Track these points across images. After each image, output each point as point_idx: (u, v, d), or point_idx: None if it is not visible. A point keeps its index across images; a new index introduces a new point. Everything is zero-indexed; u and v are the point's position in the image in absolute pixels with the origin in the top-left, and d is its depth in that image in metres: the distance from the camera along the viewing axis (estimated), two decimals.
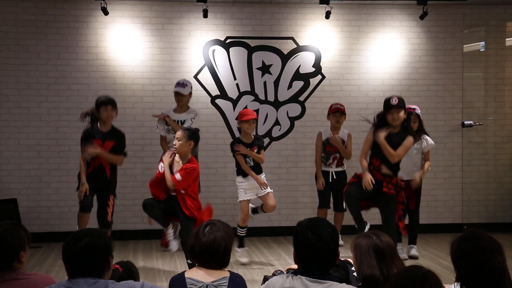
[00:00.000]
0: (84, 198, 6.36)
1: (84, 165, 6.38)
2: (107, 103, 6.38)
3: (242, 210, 6.90)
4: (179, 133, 6.03)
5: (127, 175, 8.09)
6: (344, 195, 6.34)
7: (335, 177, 7.42)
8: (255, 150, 6.82)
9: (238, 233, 6.90)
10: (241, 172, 6.88)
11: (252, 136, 6.91)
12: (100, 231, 3.00)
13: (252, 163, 6.84)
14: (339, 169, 7.48)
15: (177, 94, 7.27)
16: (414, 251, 7.27)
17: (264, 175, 6.94)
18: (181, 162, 6.07)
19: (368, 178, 6.07)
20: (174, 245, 6.24)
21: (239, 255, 6.93)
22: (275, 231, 8.11)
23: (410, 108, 6.86)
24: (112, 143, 6.43)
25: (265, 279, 3.40)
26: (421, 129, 6.89)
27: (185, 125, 7.02)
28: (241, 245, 7.01)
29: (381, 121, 6.15)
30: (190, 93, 7.35)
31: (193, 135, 6.07)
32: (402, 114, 6.07)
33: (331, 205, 7.55)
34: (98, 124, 6.44)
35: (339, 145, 7.35)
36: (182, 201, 6.00)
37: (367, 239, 3.14)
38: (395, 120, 6.03)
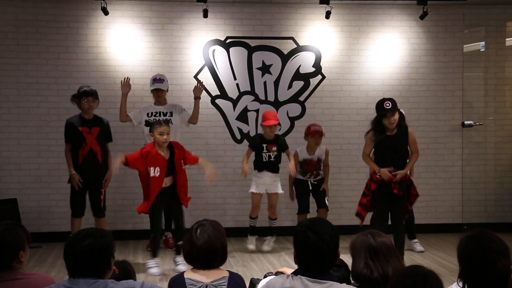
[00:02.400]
0: (77, 204, 6.77)
1: (71, 156, 6.76)
2: (88, 94, 6.72)
3: (252, 201, 7.41)
4: (164, 128, 6.37)
5: (127, 175, 8.08)
6: (372, 224, 6.67)
7: (314, 182, 7.62)
8: (274, 148, 7.29)
9: (250, 224, 7.55)
10: (258, 166, 7.34)
11: (274, 135, 7.38)
12: (103, 231, 2.99)
13: (267, 159, 7.29)
14: (317, 178, 7.65)
15: (157, 91, 7.25)
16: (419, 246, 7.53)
17: (278, 176, 7.37)
18: (163, 149, 6.45)
19: (387, 172, 6.26)
20: (157, 271, 6.43)
21: (248, 242, 7.44)
22: (275, 231, 8.09)
23: None
24: (98, 129, 6.79)
25: (252, 282, 3.40)
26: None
27: (181, 118, 7.31)
28: (252, 234, 7.51)
29: (377, 125, 6.33)
30: (167, 88, 7.39)
31: (167, 122, 6.69)
32: (396, 116, 6.25)
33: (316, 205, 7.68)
34: (80, 114, 6.81)
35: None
36: (183, 185, 6.50)
37: (362, 237, 3.16)
38: (392, 123, 6.23)
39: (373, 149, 6.42)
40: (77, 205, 6.79)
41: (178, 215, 6.57)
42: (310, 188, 7.58)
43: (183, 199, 6.54)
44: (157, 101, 7.34)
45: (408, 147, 6.43)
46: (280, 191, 7.37)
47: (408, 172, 6.47)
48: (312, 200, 7.66)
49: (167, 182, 6.47)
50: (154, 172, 6.36)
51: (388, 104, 6.17)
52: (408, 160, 6.43)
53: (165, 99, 7.36)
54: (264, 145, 7.30)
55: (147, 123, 7.11)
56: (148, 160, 6.36)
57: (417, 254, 7.33)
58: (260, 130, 7.78)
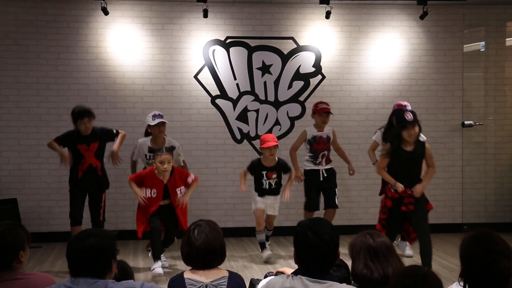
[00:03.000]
0: (75, 212, 6.66)
1: (54, 147, 6.63)
2: (83, 116, 6.53)
3: (256, 217, 7.15)
4: (165, 157, 6.25)
5: (127, 174, 8.07)
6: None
7: (325, 174, 7.39)
8: (274, 175, 7.05)
9: (258, 240, 7.19)
10: (259, 192, 7.12)
11: (276, 159, 7.08)
12: (106, 232, 2.99)
13: (267, 187, 7.06)
14: (329, 166, 7.45)
15: (160, 125, 6.91)
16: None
17: (279, 197, 7.15)
18: (165, 174, 6.38)
19: (400, 186, 5.96)
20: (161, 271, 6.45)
21: (264, 257, 7.09)
22: (275, 231, 8.10)
23: (401, 105, 6.84)
24: (96, 144, 6.66)
25: (251, 283, 3.40)
26: None
27: (176, 161, 6.94)
28: (263, 248, 7.18)
29: (396, 137, 6.02)
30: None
31: (172, 149, 6.52)
32: (416, 129, 5.95)
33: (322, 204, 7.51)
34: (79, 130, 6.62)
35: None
36: (181, 215, 6.46)
37: (361, 238, 3.16)
38: (411, 135, 5.92)
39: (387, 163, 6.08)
40: (74, 213, 6.69)
41: (173, 234, 6.66)
42: (321, 179, 7.35)
43: (184, 224, 6.46)
44: (158, 138, 6.97)
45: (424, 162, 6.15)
46: (276, 213, 7.26)
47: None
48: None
49: (164, 202, 6.49)
50: (151, 193, 6.38)
51: (409, 116, 5.89)
52: (425, 174, 6.16)
53: (164, 136, 7.06)
54: (264, 173, 7.05)
55: (150, 150, 6.95)
56: (146, 182, 6.40)
57: (416, 254, 7.30)
58: (260, 132, 7.74)
